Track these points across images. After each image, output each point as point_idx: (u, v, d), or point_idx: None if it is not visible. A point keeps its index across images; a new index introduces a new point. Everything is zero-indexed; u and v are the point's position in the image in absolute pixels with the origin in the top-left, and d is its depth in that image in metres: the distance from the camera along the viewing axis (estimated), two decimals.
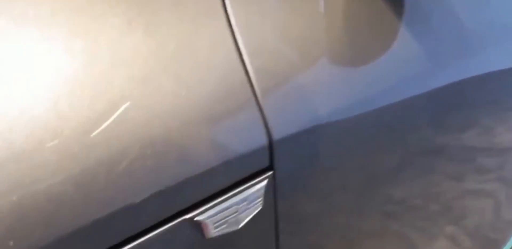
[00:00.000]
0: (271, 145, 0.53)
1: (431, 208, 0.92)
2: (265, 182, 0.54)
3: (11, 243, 0.38)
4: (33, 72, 0.41)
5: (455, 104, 0.74)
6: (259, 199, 0.55)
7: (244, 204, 0.53)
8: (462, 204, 1.00)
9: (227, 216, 0.52)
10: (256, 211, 0.55)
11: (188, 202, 0.49)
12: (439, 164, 0.82)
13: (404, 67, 0.64)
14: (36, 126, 0.39)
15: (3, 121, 0.38)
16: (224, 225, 0.53)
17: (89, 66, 0.43)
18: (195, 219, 0.49)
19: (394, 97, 0.64)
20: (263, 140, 0.52)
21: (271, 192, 0.56)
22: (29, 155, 0.38)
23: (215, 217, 0.51)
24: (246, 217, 0.55)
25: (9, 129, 0.38)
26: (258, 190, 0.54)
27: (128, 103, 0.43)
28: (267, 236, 0.61)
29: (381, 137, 0.67)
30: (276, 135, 0.53)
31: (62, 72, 0.42)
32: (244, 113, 0.50)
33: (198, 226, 0.50)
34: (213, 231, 0.52)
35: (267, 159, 0.54)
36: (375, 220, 0.84)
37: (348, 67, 0.60)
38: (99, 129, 0.42)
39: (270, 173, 0.55)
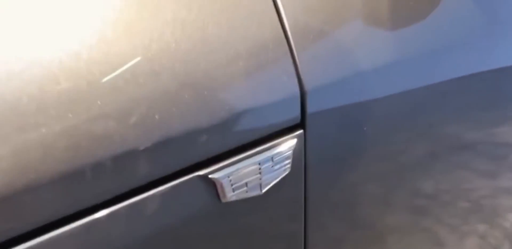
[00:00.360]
0: (303, 99, 0.45)
1: (461, 205, 0.85)
2: (294, 141, 0.45)
3: None
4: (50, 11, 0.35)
5: (491, 95, 0.66)
6: (287, 162, 0.46)
7: (269, 165, 0.44)
8: (496, 203, 0.92)
9: (248, 177, 0.43)
10: (283, 175, 0.46)
11: (203, 155, 0.40)
12: (470, 159, 0.74)
13: (449, 32, 0.55)
14: (48, 67, 0.33)
15: (15, 60, 0.33)
16: (244, 188, 0.44)
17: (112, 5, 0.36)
18: (210, 176, 0.40)
19: (433, 73, 0.55)
20: (294, 90, 0.44)
21: (301, 154, 0.47)
22: (41, 96, 0.33)
23: (233, 176, 0.42)
24: (271, 181, 0.46)
25: (18, 68, 0.33)
26: (286, 150, 0.45)
27: (157, 44, 0.37)
28: (294, 207, 0.52)
29: (414, 118, 0.59)
30: (308, 86, 0.44)
31: (79, 11, 0.35)
32: (276, 63, 0.42)
33: (213, 186, 0.41)
34: (230, 194, 0.43)
35: (298, 114, 0.45)
36: (403, 213, 0.76)
37: (387, 26, 0.51)
38: (127, 65, 0.36)
39: (301, 131, 0.46)
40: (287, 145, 0.45)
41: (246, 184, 0.43)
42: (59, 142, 0.33)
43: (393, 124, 0.57)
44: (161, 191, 0.38)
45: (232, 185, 0.42)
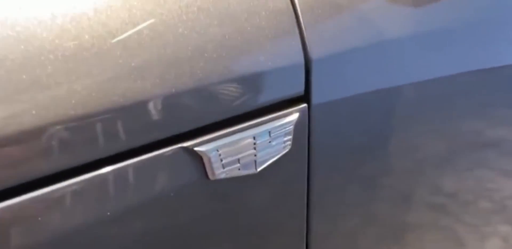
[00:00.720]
0: (307, 68, 0.40)
1: (484, 205, 0.81)
2: (296, 116, 0.40)
3: None
4: None
5: None
6: (287, 138, 0.41)
7: (266, 141, 0.39)
8: None
9: (241, 152, 0.38)
10: (282, 153, 0.41)
11: (189, 125, 0.35)
12: (493, 158, 0.70)
13: (475, 16, 0.50)
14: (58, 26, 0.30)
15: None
16: (236, 165, 0.39)
17: None
18: (196, 149, 0.36)
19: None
20: (297, 57, 0.39)
21: (304, 131, 0.42)
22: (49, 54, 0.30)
23: (223, 150, 0.37)
24: (268, 159, 0.40)
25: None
26: (285, 125, 0.40)
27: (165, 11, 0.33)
28: (295, 191, 0.46)
29: (434, 108, 0.54)
30: (313, 55, 0.40)
31: None
32: (282, 29, 0.38)
33: (199, 161, 0.37)
34: (219, 171, 0.38)
35: (301, 85, 0.40)
36: (420, 207, 0.70)
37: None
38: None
39: (304, 105, 0.41)
40: (288, 119, 0.40)
41: (238, 160, 0.38)
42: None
43: (410, 111, 0.52)
44: (139, 162, 0.34)
45: (222, 160, 0.37)
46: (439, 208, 0.73)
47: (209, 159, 0.37)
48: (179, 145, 0.35)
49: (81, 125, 0.30)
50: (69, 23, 0.30)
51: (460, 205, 0.75)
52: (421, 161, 0.60)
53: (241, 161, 0.39)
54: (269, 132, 0.39)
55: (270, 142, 0.39)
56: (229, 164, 0.38)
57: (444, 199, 0.72)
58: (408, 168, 0.60)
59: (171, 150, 0.35)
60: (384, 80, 0.47)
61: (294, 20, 0.39)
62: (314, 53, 0.39)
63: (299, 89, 0.40)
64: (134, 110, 0.32)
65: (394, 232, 0.70)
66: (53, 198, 0.31)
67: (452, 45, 0.50)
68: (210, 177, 0.38)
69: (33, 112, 0.29)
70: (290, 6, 0.39)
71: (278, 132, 0.40)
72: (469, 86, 0.55)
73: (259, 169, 0.40)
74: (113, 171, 0.33)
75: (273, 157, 0.41)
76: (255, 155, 0.39)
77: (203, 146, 0.36)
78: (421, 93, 0.51)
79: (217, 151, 0.37)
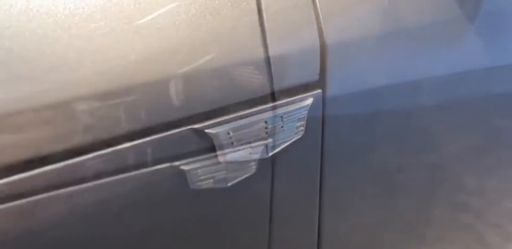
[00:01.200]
0: (322, 53, 0.39)
1: (509, 205, 0.77)
2: (309, 101, 0.40)
3: None
4: None
5: None
6: (300, 123, 0.40)
7: (278, 125, 0.39)
8: None
9: (252, 136, 0.38)
10: (294, 139, 0.41)
11: (200, 107, 0.35)
12: None
13: None
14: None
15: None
16: (247, 149, 0.38)
17: None
18: (207, 131, 0.35)
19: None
20: (312, 39, 0.38)
21: (317, 118, 0.41)
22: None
23: (234, 133, 0.37)
24: (280, 144, 0.40)
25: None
26: (298, 110, 0.39)
27: None
28: (308, 180, 0.46)
29: (461, 101, 0.52)
30: (329, 39, 0.39)
31: None
32: (297, 12, 0.38)
33: (210, 143, 0.36)
34: (229, 156, 0.37)
35: (316, 69, 0.39)
36: (444, 209, 0.68)
37: None
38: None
39: (319, 91, 0.40)
40: (301, 104, 0.40)
41: (249, 142, 0.38)
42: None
43: (433, 105, 0.50)
44: (148, 142, 0.34)
45: (232, 143, 0.37)
46: (461, 207, 0.71)
47: (220, 142, 0.36)
48: (190, 126, 0.35)
49: (91, 105, 0.31)
50: (82, 0, 0.30)
51: (487, 205, 0.72)
52: (444, 157, 0.58)
53: (252, 145, 0.38)
54: (282, 117, 0.39)
55: (282, 126, 0.39)
56: (242, 144, 0.38)
57: (468, 197, 0.70)
58: (429, 164, 0.58)
59: (182, 131, 0.35)
60: (404, 72, 0.45)
61: (311, 3, 0.38)
62: (330, 38, 0.39)
63: (314, 74, 0.40)
64: (146, 91, 0.32)
65: (412, 229, 0.68)
66: (62, 175, 0.32)
67: (478, 36, 0.48)
68: (221, 160, 0.38)
69: (42, 88, 0.29)
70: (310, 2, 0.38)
71: (291, 117, 0.39)
72: (497, 82, 0.52)
73: (270, 154, 0.40)
74: (119, 150, 0.33)
75: (285, 142, 0.40)
76: (267, 140, 0.39)
77: (214, 128, 0.36)
78: (444, 88, 0.49)
79: (228, 134, 0.36)
